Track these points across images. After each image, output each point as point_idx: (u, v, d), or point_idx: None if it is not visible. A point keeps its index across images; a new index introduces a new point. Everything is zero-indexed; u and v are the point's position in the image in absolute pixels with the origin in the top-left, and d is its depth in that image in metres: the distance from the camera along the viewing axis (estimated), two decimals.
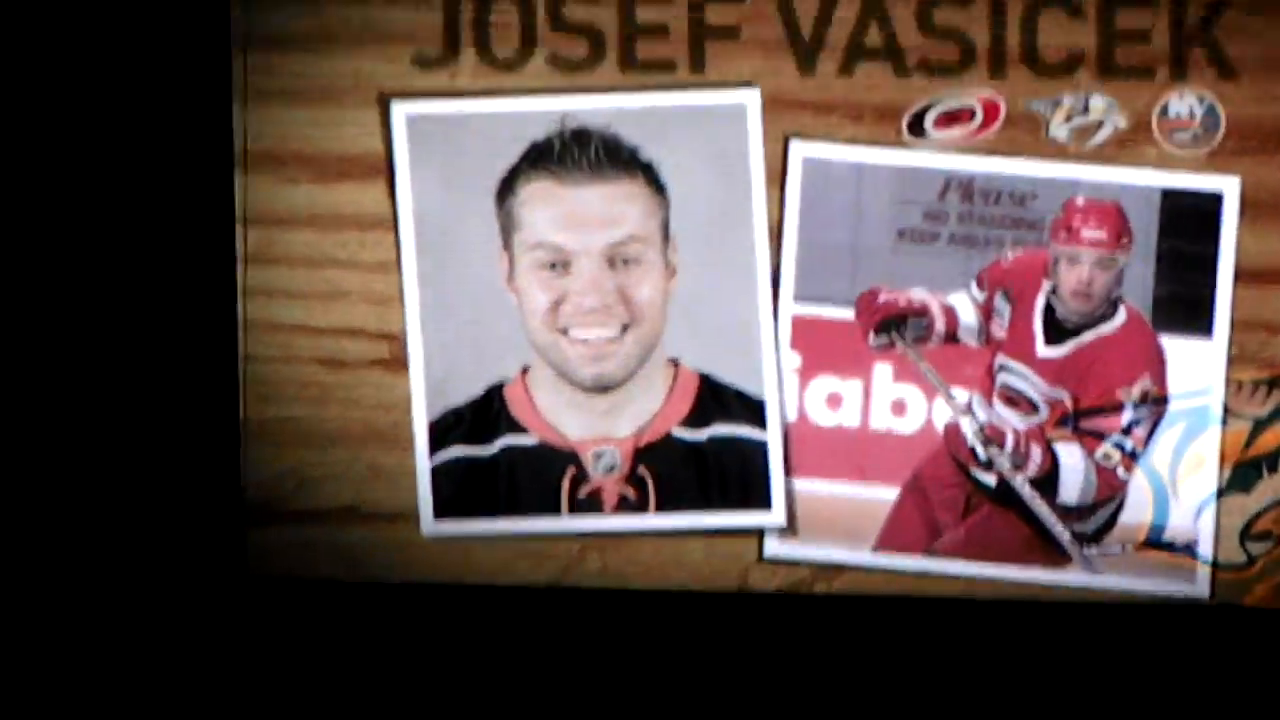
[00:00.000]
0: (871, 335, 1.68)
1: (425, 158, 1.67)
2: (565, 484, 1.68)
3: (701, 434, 1.68)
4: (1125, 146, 1.66)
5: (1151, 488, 1.67)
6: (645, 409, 1.69)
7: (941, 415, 1.69)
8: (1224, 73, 1.65)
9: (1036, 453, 1.66)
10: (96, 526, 1.69)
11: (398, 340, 1.68)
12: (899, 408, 1.69)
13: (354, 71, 1.67)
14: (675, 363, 1.69)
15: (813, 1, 1.67)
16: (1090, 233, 1.65)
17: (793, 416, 1.68)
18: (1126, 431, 1.66)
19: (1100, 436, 1.66)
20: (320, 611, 1.69)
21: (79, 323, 1.70)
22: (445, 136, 1.67)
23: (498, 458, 1.68)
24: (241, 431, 1.68)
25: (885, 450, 1.69)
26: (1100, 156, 1.66)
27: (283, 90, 1.68)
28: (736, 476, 1.68)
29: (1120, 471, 1.66)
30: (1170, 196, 1.65)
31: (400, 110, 1.67)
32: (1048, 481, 1.66)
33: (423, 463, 1.68)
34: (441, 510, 1.68)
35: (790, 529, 1.68)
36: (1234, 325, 1.66)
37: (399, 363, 1.68)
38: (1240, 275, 1.66)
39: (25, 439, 1.69)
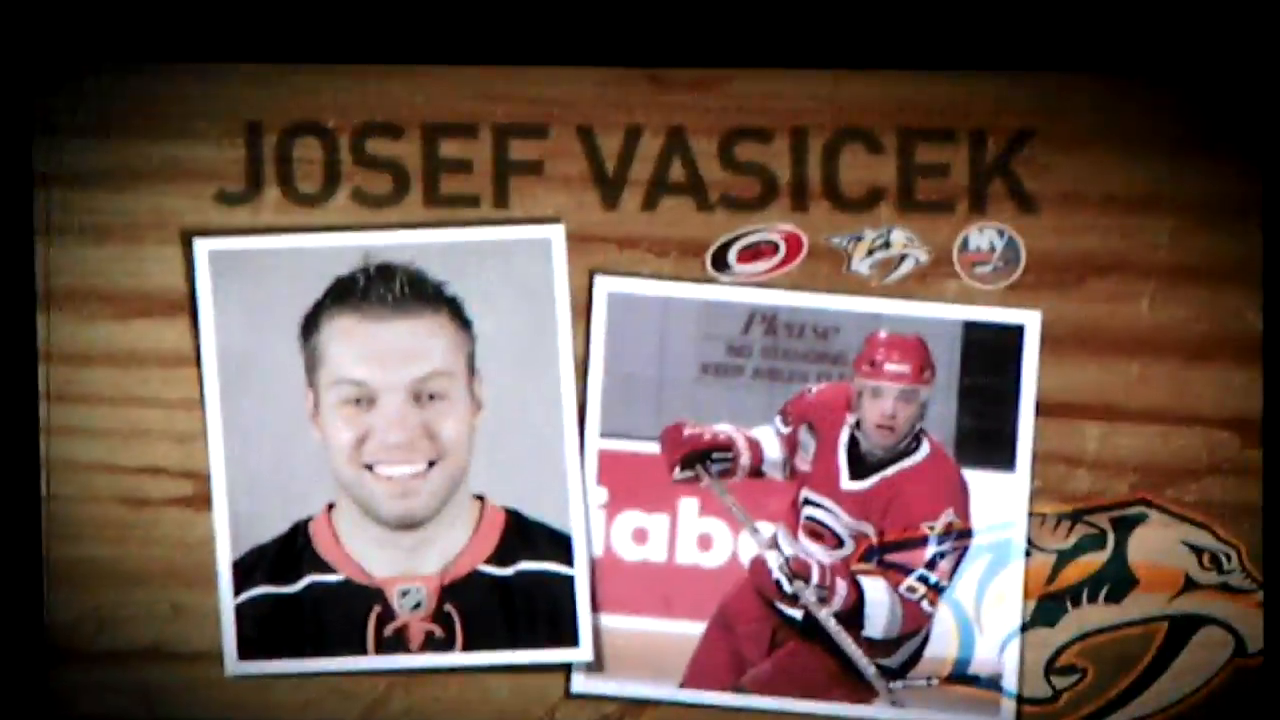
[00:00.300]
0: (677, 470, 1.69)
1: (228, 294, 1.68)
2: (371, 622, 1.69)
3: (508, 570, 1.70)
4: (927, 280, 1.69)
5: (956, 621, 1.68)
6: (451, 546, 1.70)
7: (747, 549, 1.70)
8: (1024, 206, 1.68)
9: (841, 586, 1.68)
10: None
11: (201, 478, 1.68)
12: (705, 542, 1.71)
13: (156, 208, 1.69)
14: (481, 499, 1.70)
15: (615, 137, 1.69)
16: (893, 366, 1.67)
17: (599, 551, 1.70)
18: (931, 565, 1.67)
19: (905, 570, 1.68)
20: None
21: None
22: (248, 273, 1.68)
23: (303, 596, 1.69)
24: (44, 571, 1.68)
25: (691, 585, 1.70)
26: (902, 290, 1.69)
27: (85, 227, 1.69)
28: (544, 612, 1.69)
29: (925, 605, 1.68)
30: (972, 330, 1.68)
31: (203, 247, 1.68)
32: (853, 615, 1.68)
33: (226, 602, 1.68)
34: (246, 649, 1.69)
35: (597, 665, 1.69)
36: (1036, 458, 1.68)
37: (202, 500, 1.68)
38: (1041, 408, 1.68)
39: None
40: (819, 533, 1.69)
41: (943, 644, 1.69)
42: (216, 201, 1.69)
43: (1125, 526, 1.68)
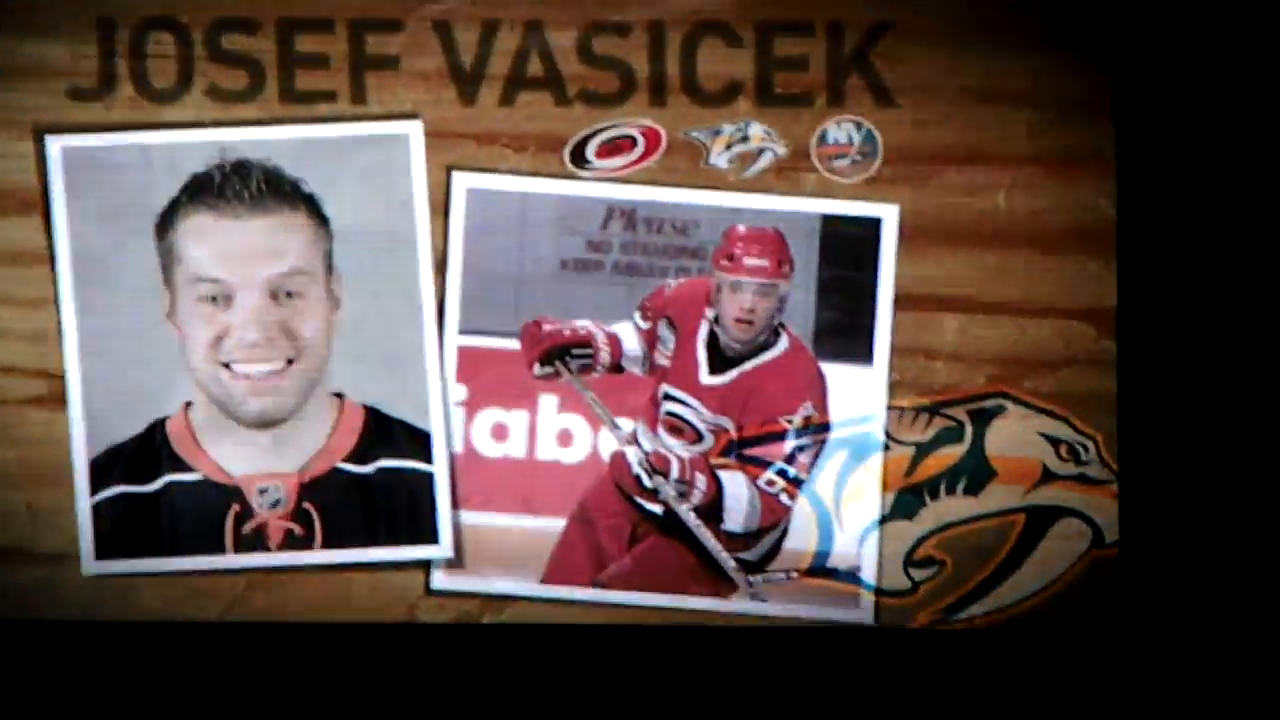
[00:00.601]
0: (536, 366, 1.71)
1: (82, 191, 1.68)
2: (229, 520, 1.70)
3: (368, 467, 1.71)
4: (785, 174, 1.70)
5: (816, 514, 1.70)
6: (310, 443, 1.71)
7: (607, 445, 1.72)
8: (882, 100, 1.70)
9: (701, 481, 1.69)
10: None
11: (56, 377, 1.69)
12: (565, 438, 1.72)
13: (7, 104, 1.69)
14: (340, 396, 1.71)
15: (473, 32, 1.69)
16: (751, 260, 1.68)
17: (459, 448, 1.71)
18: (790, 459, 1.69)
19: (764, 464, 1.69)
20: None
21: None
22: (102, 170, 1.68)
23: (160, 495, 1.70)
24: None
25: (552, 481, 1.72)
26: (760, 184, 1.70)
27: None
28: (404, 510, 1.71)
29: (784, 498, 1.69)
30: (830, 223, 1.69)
31: (55, 143, 1.68)
32: (712, 509, 1.70)
33: (83, 501, 1.69)
34: (103, 549, 1.69)
35: (457, 562, 1.71)
36: (894, 352, 1.70)
37: (57, 400, 1.69)
38: (900, 301, 1.70)
39: None
40: (678, 428, 1.71)
41: (802, 537, 1.71)
42: (69, 98, 1.69)
43: (983, 419, 1.70)
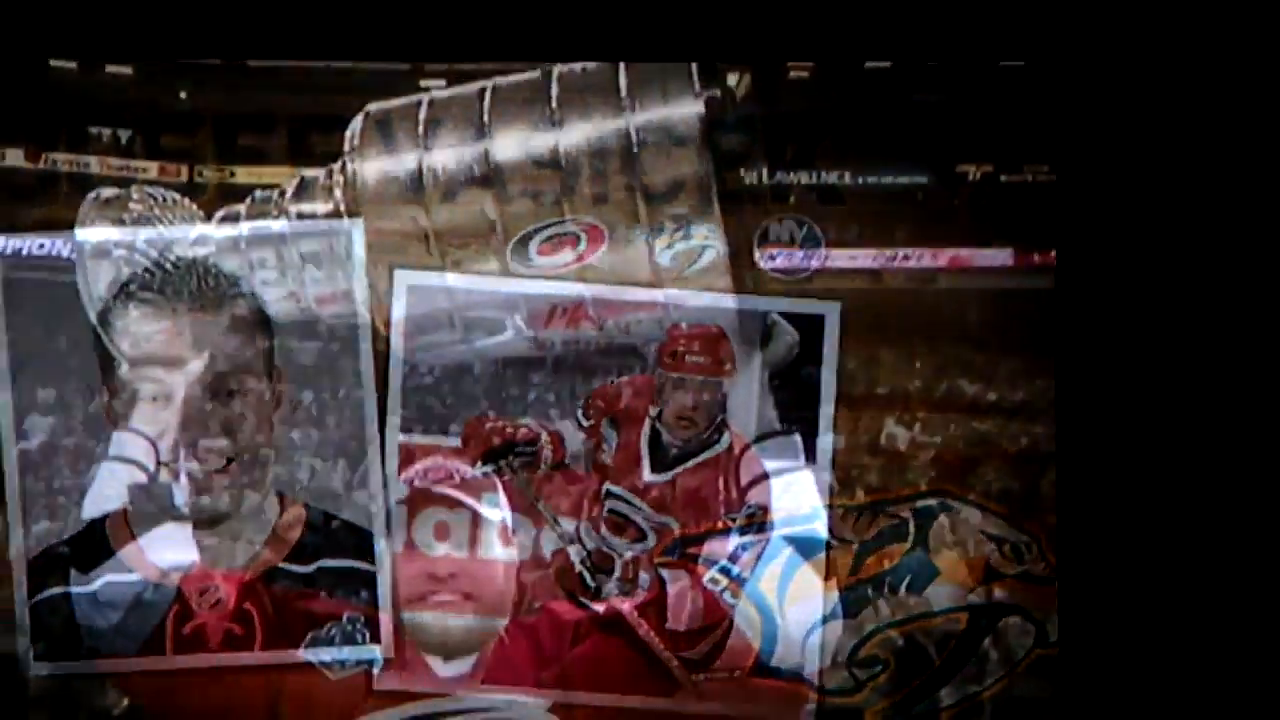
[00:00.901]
0: (479, 464, 1.70)
1: (21, 293, 1.68)
2: (169, 621, 1.68)
3: (309, 567, 1.70)
4: (728, 271, 1.70)
5: (759, 613, 1.71)
6: (251, 543, 1.70)
7: (550, 543, 1.71)
8: (824, 197, 1.70)
9: (644, 579, 1.70)
10: None
11: None
12: (507, 536, 1.71)
13: None
14: (281, 495, 1.70)
15: (417, 130, 1.69)
16: (694, 358, 1.69)
17: (400, 547, 1.70)
18: (733, 557, 1.70)
19: (707, 562, 1.69)
20: None
21: None
22: (41, 270, 1.68)
23: (99, 595, 1.69)
24: None
25: (493, 579, 1.71)
26: (703, 282, 1.70)
27: None
28: (345, 609, 1.69)
29: (727, 597, 1.70)
30: (773, 320, 1.70)
31: None
32: (655, 607, 1.69)
33: (22, 601, 1.68)
34: (43, 650, 1.68)
35: (399, 661, 1.70)
36: (837, 450, 1.70)
37: None
38: (842, 399, 1.70)
39: None
40: (621, 526, 1.71)
41: (746, 636, 1.71)
42: (8, 196, 1.68)
43: (926, 517, 1.71)
